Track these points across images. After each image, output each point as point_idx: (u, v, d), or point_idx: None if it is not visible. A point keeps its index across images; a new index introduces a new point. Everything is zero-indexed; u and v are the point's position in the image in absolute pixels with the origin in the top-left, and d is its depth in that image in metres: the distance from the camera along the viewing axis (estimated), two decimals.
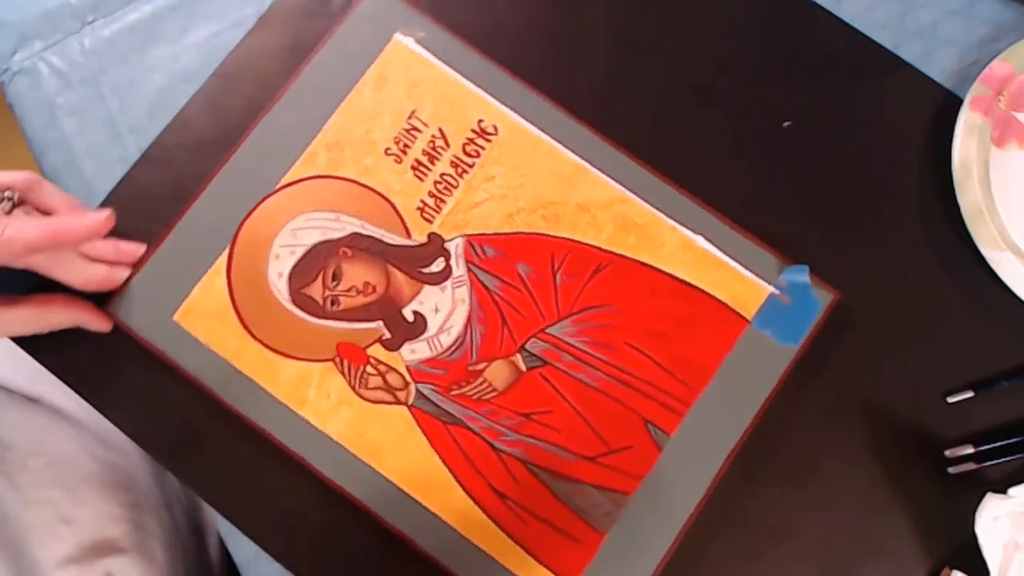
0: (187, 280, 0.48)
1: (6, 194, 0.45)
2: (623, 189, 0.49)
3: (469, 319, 0.48)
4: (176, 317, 0.48)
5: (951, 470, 0.47)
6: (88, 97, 0.53)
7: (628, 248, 0.49)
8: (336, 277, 0.48)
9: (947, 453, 0.47)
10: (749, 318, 0.48)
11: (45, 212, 0.46)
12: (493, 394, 0.47)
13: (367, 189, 0.50)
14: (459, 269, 0.49)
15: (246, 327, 0.48)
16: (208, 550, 0.61)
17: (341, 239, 0.49)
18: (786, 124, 0.51)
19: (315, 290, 0.48)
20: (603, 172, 0.49)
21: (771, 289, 0.48)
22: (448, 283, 0.48)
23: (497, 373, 0.47)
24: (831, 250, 0.49)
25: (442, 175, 0.50)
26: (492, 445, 0.47)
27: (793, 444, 0.47)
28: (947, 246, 0.49)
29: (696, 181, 0.49)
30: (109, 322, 0.47)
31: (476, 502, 0.46)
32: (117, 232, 0.50)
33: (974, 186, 0.48)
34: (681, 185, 0.49)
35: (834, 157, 0.51)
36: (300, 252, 0.49)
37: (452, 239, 0.49)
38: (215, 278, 0.48)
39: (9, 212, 0.44)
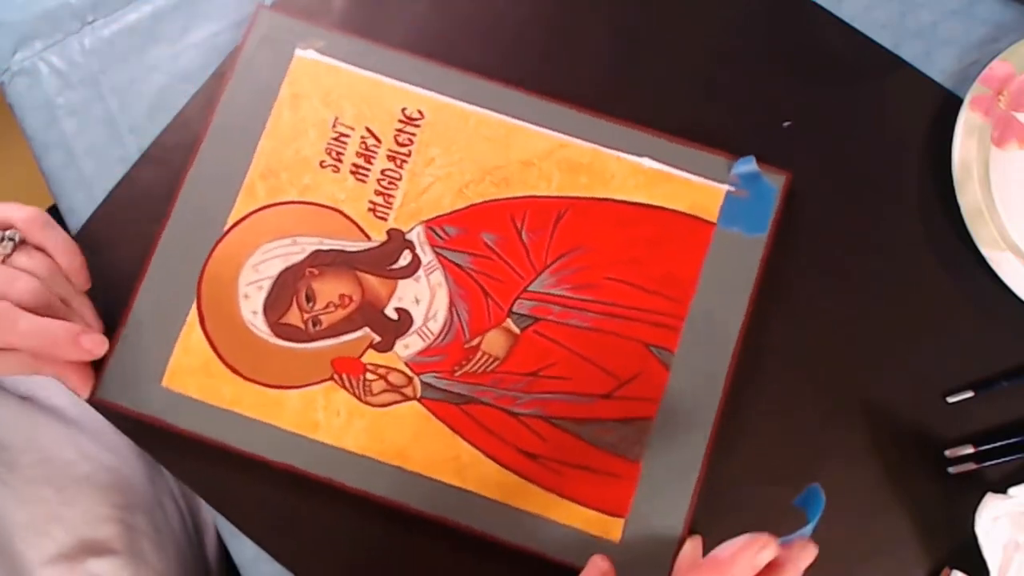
0: (165, 344, 0.48)
1: (7, 234, 0.44)
2: (559, 135, 0.50)
3: (451, 300, 0.48)
4: (165, 383, 0.47)
5: (951, 470, 0.47)
6: (88, 97, 0.53)
7: (581, 189, 0.49)
8: (310, 298, 0.48)
9: (947, 453, 0.47)
10: (714, 221, 0.49)
11: (43, 251, 0.46)
12: (495, 363, 0.48)
13: (314, 206, 0.49)
14: (427, 256, 0.49)
15: (236, 372, 0.47)
16: (206, 551, 0.61)
17: (304, 261, 0.49)
18: (786, 124, 0.51)
19: (293, 317, 0.48)
20: (535, 124, 0.50)
21: (726, 187, 0.49)
22: (420, 272, 0.49)
23: (493, 343, 0.48)
24: (831, 249, 0.49)
25: (383, 171, 0.50)
26: (510, 412, 0.47)
27: (793, 427, 0.48)
28: (947, 246, 0.49)
29: None
30: (88, 387, 0.46)
31: (510, 469, 0.47)
32: (117, 234, 0.50)
33: (974, 186, 0.48)
34: (613, 115, 0.50)
35: (834, 157, 0.51)
36: (267, 285, 0.48)
37: (411, 229, 0.49)
38: (191, 334, 0.48)
39: (10, 254, 0.44)
